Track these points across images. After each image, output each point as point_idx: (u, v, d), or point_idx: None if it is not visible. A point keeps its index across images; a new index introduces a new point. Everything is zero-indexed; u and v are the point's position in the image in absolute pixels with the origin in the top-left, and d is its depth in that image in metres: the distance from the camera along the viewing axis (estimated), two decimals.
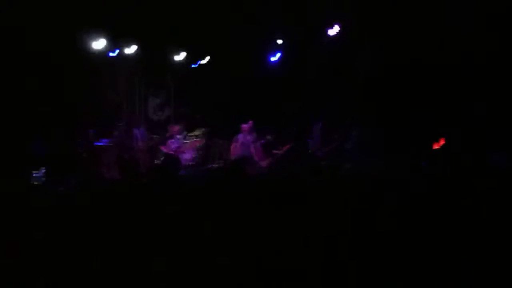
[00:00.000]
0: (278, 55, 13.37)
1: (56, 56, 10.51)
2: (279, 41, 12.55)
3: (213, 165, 11.92)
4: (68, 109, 11.04)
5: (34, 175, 9.61)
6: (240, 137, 11.28)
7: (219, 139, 12.93)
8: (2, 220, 2.63)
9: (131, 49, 12.23)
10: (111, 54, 12.22)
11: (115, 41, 11.98)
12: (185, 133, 11.56)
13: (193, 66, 13.70)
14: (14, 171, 8.83)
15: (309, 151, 12.18)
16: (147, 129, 12.05)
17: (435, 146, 11.75)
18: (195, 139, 12.17)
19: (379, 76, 11.83)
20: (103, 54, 11.91)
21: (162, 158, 11.09)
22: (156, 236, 2.33)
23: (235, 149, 11.22)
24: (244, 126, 11.22)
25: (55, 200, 4.76)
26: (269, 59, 13.49)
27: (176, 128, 11.19)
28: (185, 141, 11.76)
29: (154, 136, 11.84)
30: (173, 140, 11.07)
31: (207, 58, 13.38)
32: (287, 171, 6.88)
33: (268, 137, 11.80)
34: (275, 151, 11.65)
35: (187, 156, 11.84)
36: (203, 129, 12.45)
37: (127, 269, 1.76)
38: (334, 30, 12.04)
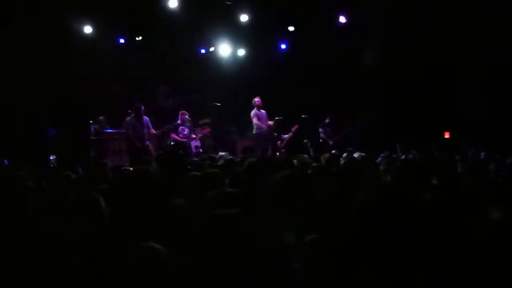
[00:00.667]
0: (284, 46, 13.30)
1: (62, 43, 10.55)
2: (290, 28, 12.34)
3: (222, 153, 11.80)
4: (80, 96, 11.10)
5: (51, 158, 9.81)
6: (257, 112, 11.01)
7: (230, 126, 12.99)
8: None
9: (139, 37, 12.35)
10: (120, 41, 12.38)
11: (122, 29, 12.04)
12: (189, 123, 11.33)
13: (202, 51, 13.60)
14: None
15: (321, 140, 12.18)
16: (157, 117, 11.95)
17: (446, 135, 11.74)
18: (203, 128, 12.05)
19: (386, 65, 11.76)
20: (111, 42, 12.03)
21: (171, 144, 11.01)
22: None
23: (261, 121, 10.93)
24: (257, 100, 10.99)
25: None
26: (280, 46, 13.39)
27: (186, 114, 11.02)
28: (194, 128, 11.66)
29: (164, 124, 11.80)
30: (183, 127, 10.84)
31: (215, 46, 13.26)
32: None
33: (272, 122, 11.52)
34: (284, 136, 11.48)
35: (198, 143, 11.74)
36: (206, 119, 12.33)
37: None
38: (343, 19, 11.88)
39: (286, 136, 11.48)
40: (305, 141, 11.43)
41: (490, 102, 10.35)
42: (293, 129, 11.39)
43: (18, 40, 9.96)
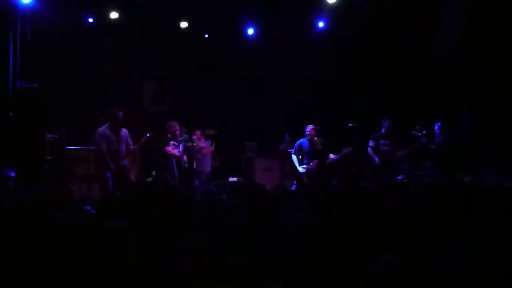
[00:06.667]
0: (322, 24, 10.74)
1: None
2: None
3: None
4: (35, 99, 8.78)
5: None
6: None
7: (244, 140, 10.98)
8: None
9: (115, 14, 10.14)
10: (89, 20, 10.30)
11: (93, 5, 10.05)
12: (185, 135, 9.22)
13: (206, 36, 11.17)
14: None
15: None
16: (142, 127, 9.74)
17: None
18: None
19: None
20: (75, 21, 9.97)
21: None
22: None
23: None
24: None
25: None
26: (317, 25, 10.73)
27: (177, 126, 8.90)
28: (194, 144, 9.43)
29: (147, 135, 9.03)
30: (174, 142, 8.78)
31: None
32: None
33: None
34: (331, 156, 8.89)
35: (184, 158, 9.26)
36: (210, 131, 10.49)
37: None
38: None
39: (333, 156, 8.88)
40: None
41: None
42: (346, 150, 8.83)
43: None
